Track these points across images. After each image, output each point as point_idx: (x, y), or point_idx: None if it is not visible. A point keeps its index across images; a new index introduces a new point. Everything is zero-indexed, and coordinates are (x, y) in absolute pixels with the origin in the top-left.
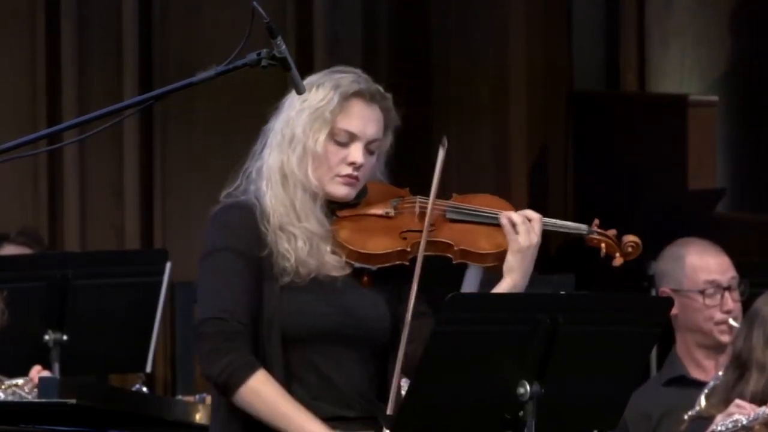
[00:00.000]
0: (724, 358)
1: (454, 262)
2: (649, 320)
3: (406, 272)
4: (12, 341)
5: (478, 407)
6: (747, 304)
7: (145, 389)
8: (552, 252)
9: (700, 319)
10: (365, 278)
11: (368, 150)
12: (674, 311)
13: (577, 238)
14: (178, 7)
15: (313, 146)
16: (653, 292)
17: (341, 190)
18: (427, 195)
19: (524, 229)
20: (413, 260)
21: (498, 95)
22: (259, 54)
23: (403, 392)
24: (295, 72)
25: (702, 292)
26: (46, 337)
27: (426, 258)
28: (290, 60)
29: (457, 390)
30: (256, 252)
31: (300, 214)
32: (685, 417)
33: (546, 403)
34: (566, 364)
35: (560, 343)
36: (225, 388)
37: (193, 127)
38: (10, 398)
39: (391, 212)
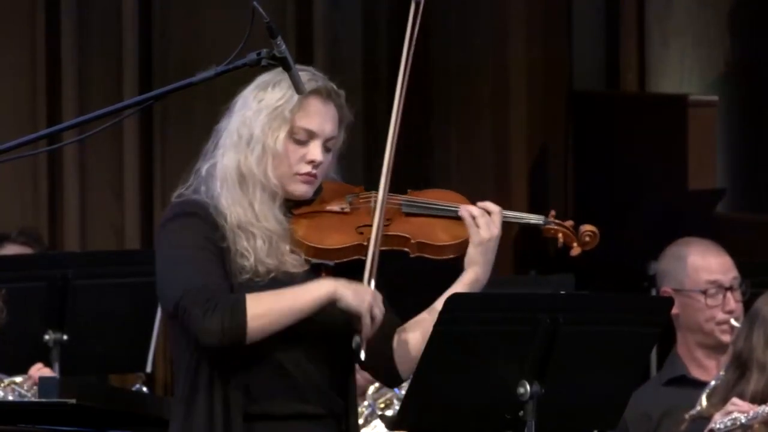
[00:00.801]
0: (725, 358)
1: (411, 256)
2: (649, 320)
3: (364, 268)
4: (12, 341)
5: (478, 407)
6: (748, 304)
7: (145, 389)
8: (552, 252)
9: (701, 318)
10: (323, 275)
11: (325, 147)
12: (675, 311)
13: (535, 229)
14: (178, 7)
15: (273, 145)
16: (653, 292)
17: (301, 189)
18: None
19: (484, 221)
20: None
21: (498, 95)
22: (259, 54)
23: (403, 392)
24: (295, 72)
25: (704, 292)
26: (46, 337)
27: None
28: (290, 60)
29: (457, 390)
30: (216, 240)
31: (259, 214)
32: (686, 417)
33: (546, 403)
34: (566, 364)
35: (560, 343)
36: (233, 336)
37: (193, 127)
38: (9, 396)
39: (347, 208)
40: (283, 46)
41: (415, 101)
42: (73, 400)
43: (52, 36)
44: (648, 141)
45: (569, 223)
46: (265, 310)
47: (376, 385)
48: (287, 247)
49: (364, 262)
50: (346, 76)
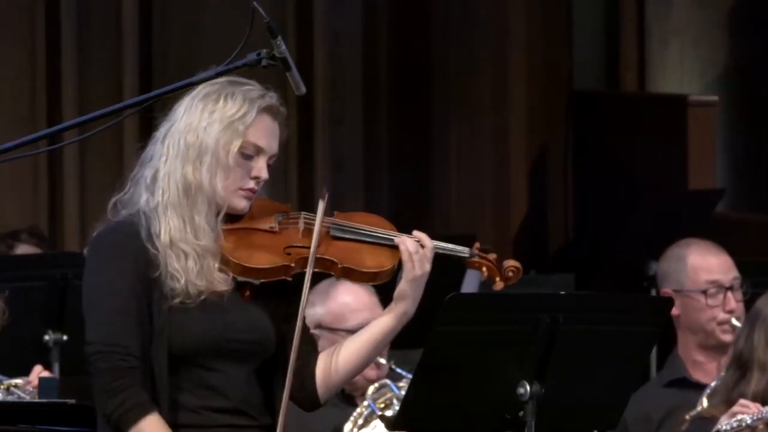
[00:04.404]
0: (725, 360)
1: (337, 279)
2: (649, 320)
3: (289, 288)
4: (12, 341)
5: (478, 407)
6: (749, 304)
7: None
8: (552, 252)
9: (702, 319)
10: (247, 292)
11: (267, 164)
12: (676, 312)
13: (459, 260)
14: (178, 7)
15: (225, 158)
16: (653, 292)
17: (242, 203)
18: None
19: (418, 258)
20: (296, 276)
21: (498, 95)
22: (259, 54)
23: (403, 392)
24: (295, 72)
25: (704, 292)
26: (46, 337)
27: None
28: (290, 60)
29: (457, 390)
30: (147, 274)
31: (197, 229)
32: (687, 417)
33: (546, 403)
34: (566, 364)
35: (560, 343)
36: (116, 428)
37: None
38: (8, 398)
39: (276, 227)
40: (283, 46)
41: (415, 101)
42: (73, 400)
43: (52, 36)
44: (648, 141)
45: (492, 256)
46: None
47: (376, 384)
48: (216, 265)
49: (289, 284)
50: (346, 75)
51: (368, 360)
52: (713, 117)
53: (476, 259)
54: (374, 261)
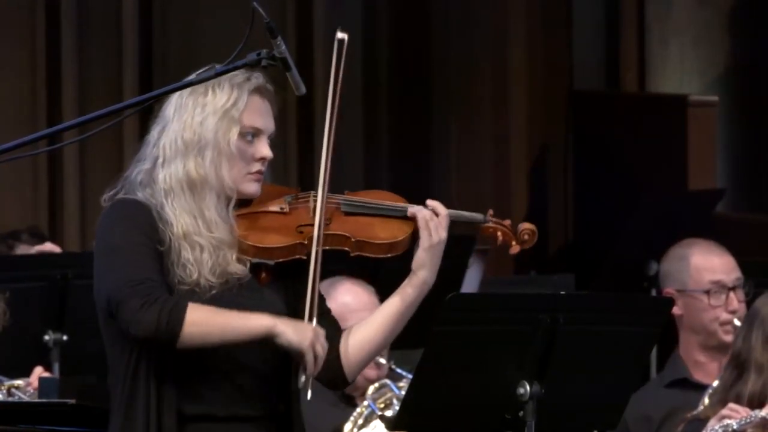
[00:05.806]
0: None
1: (351, 254)
2: (649, 320)
3: (303, 268)
4: (12, 341)
5: (478, 407)
6: (751, 304)
7: None
8: (552, 252)
9: (705, 319)
10: (263, 274)
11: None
12: (679, 312)
13: (474, 227)
14: (178, 7)
15: (228, 148)
16: (653, 292)
17: (252, 187)
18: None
19: (434, 225)
20: (310, 254)
21: (498, 94)
22: (259, 54)
23: (403, 392)
24: (295, 72)
25: (707, 292)
26: (46, 337)
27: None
28: (290, 60)
29: (457, 390)
30: (156, 243)
31: (209, 223)
32: (687, 417)
33: (546, 403)
34: (566, 364)
35: (560, 343)
36: (167, 333)
37: None
38: (9, 399)
39: (286, 208)
40: (283, 47)
41: (415, 101)
42: (73, 400)
43: (52, 36)
44: (648, 141)
45: (507, 222)
46: (203, 320)
47: (376, 385)
48: (233, 256)
49: (304, 263)
50: (346, 76)
51: (391, 333)
52: (713, 117)
53: (491, 224)
54: (387, 232)
